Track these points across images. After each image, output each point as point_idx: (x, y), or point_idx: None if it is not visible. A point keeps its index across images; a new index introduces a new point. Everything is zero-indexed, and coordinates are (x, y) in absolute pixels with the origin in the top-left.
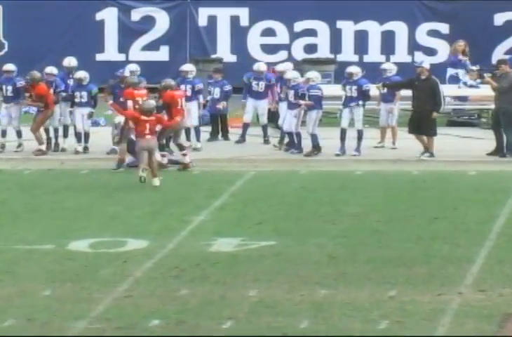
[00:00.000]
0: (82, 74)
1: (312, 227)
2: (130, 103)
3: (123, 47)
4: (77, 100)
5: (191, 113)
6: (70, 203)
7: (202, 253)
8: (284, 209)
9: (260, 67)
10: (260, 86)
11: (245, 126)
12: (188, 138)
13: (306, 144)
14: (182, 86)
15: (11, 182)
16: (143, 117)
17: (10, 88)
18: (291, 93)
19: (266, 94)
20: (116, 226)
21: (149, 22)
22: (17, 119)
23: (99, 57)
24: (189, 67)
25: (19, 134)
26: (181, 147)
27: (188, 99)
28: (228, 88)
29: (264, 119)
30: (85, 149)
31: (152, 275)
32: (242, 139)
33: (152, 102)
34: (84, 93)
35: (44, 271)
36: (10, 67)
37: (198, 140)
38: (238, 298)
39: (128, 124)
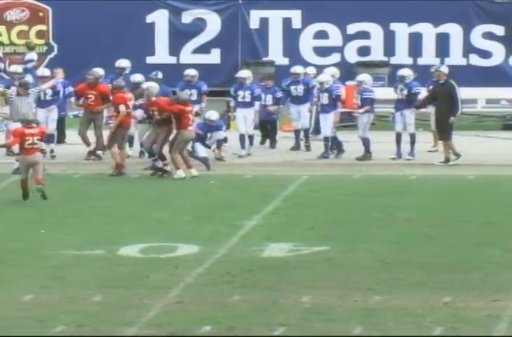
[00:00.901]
0: (139, 77)
1: (365, 232)
2: (122, 107)
3: (174, 50)
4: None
5: (248, 120)
6: (119, 208)
7: (253, 259)
8: (336, 214)
9: (296, 69)
10: (298, 90)
11: (297, 133)
12: (242, 146)
13: (354, 148)
14: (240, 93)
15: (60, 187)
16: (187, 108)
17: (49, 91)
18: (325, 97)
19: (307, 98)
20: (167, 231)
21: (200, 24)
22: (54, 123)
23: (150, 60)
24: (246, 73)
25: (52, 139)
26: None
27: (245, 105)
28: (280, 94)
29: (305, 123)
30: (142, 153)
31: (203, 281)
32: (297, 146)
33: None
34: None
35: (94, 276)
36: (46, 72)
37: (250, 144)
38: (290, 304)
39: (120, 127)
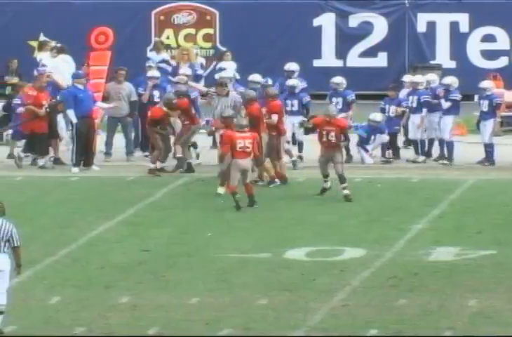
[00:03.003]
0: (294, 82)
1: None
2: (275, 116)
3: (341, 53)
4: (288, 108)
5: (415, 126)
6: (286, 212)
7: (420, 262)
8: (504, 218)
9: (414, 78)
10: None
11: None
12: (416, 152)
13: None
14: (411, 98)
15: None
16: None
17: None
18: (485, 104)
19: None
20: (333, 235)
21: (367, 27)
22: None
23: (317, 63)
24: (416, 78)
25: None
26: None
27: (413, 110)
28: (405, 105)
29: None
30: (300, 158)
31: (370, 284)
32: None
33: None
34: (295, 102)
35: (260, 280)
36: (257, 78)
37: (417, 148)
38: (456, 308)
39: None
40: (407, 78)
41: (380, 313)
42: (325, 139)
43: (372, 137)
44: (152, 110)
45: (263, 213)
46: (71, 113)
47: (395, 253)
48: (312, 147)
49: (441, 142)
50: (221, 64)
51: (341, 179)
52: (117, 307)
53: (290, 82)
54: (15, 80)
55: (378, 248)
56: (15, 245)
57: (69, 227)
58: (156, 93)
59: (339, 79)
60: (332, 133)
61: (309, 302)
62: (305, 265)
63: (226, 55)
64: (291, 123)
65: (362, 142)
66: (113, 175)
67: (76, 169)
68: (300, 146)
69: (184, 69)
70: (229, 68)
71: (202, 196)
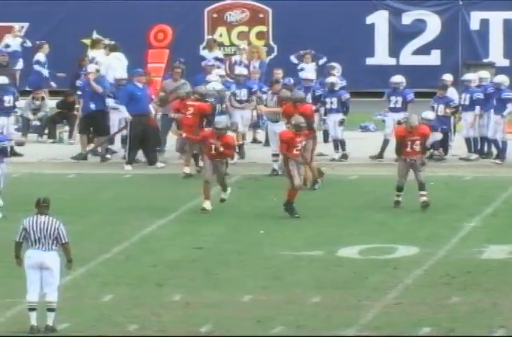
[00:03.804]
0: (334, 79)
1: None
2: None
3: (394, 51)
4: (328, 106)
5: (468, 123)
6: (337, 210)
7: (473, 261)
8: None
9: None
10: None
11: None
12: (469, 150)
13: None
14: (463, 95)
15: (274, 189)
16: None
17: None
18: None
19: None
20: (385, 233)
21: (420, 25)
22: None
23: (370, 61)
24: (471, 76)
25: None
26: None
27: (465, 108)
28: (454, 104)
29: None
30: (344, 156)
31: (422, 282)
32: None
33: None
34: (334, 99)
35: (313, 277)
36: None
37: (471, 147)
38: (509, 306)
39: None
40: (447, 77)
41: (433, 311)
42: (409, 149)
43: None
44: (199, 106)
45: (315, 210)
46: (123, 109)
47: (448, 251)
48: (358, 144)
49: (484, 139)
50: (302, 65)
51: (421, 186)
52: (170, 305)
53: (330, 79)
54: None
55: (430, 246)
56: (64, 241)
57: (122, 225)
58: None
59: (398, 78)
60: (417, 142)
61: (362, 301)
62: (358, 262)
63: (306, 58)
64: (331, 121)
65: None
66: (165, 172)
67: (128, 167)
68: (342, 144)
69: (239, 69)
70: (308, 69)
71: (254, 193)
